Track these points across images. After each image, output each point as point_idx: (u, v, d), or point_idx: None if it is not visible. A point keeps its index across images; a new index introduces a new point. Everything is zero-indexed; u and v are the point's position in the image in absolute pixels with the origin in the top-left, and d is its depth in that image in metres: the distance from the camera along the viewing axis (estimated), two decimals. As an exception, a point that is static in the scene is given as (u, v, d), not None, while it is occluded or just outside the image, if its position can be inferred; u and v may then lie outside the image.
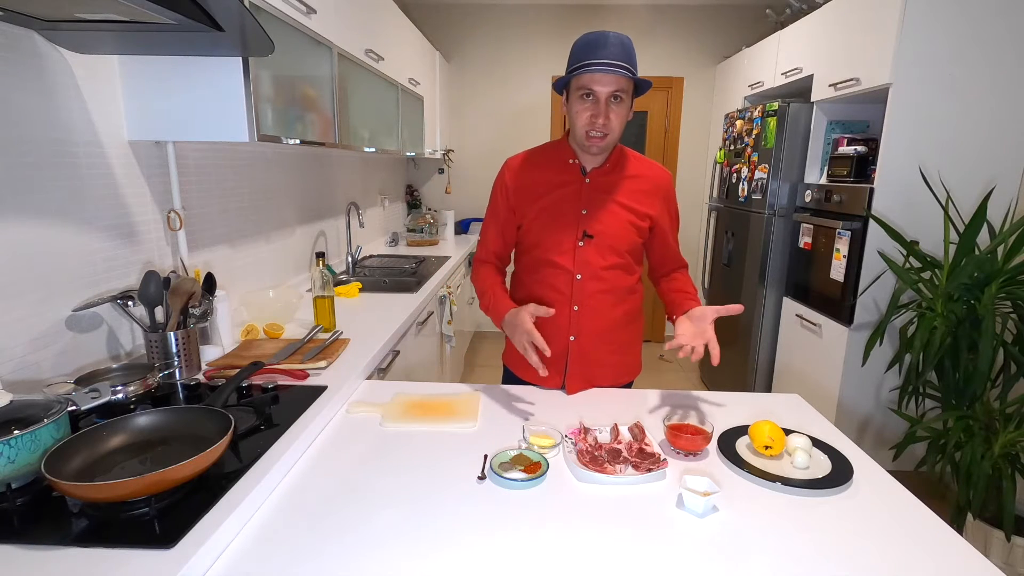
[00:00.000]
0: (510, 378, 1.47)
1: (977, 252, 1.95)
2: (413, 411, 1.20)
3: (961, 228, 2.08)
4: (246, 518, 0.83)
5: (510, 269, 1.47)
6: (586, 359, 1.36)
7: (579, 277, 1.32)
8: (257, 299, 1.72)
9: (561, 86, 1.28)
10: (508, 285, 1.41)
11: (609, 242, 1.31)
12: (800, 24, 2.83)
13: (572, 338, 1.35)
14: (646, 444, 1.06)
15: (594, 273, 1.32)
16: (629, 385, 1.48)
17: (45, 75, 1.14)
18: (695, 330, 1.20)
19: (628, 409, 1.27)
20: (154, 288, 1.24)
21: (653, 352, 4.32)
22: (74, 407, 0.93)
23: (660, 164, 1.39)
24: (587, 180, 1.31)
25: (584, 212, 1.30)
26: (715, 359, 1.13)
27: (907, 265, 2.18)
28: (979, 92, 2.12)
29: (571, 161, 1.32)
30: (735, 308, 1.17)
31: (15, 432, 0.79)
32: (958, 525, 1.92)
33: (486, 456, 1.03)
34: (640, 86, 1.23)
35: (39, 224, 1.13)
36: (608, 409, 1.26)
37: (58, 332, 1.18)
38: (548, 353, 1.15)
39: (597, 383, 1.39)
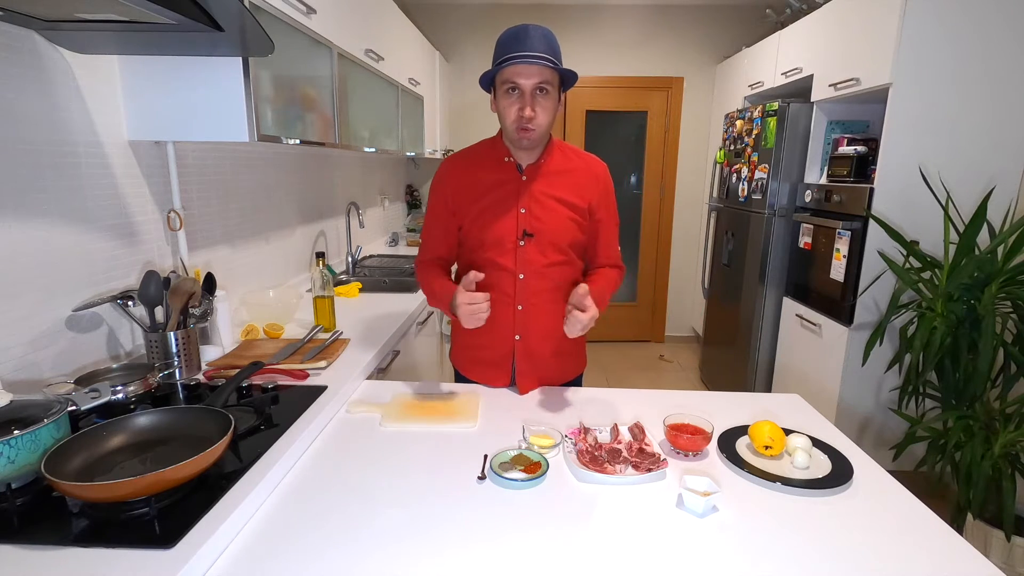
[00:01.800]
0: (459, 379, 1.46)
1: (977, 252, 1.95)
2: (413, 411, 1.20)
3: (961, 228, 2.08)
4: (246, 518, 0.83)
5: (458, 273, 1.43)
6: (533, 358, 1.35)
7: (522, 277, 1.31)
8: (257, 299, 1.72)
9: (487, 84, 1.25)
10: None
11: (550, 239, 1.29)
12: (800, 24, 2.83)
13: (517, 337, 1.34)
14: (646, 444, 1.06)
15: (537, 271, 1.31)
16: (578, 380, 1.48)
17: (45, 75, 1.14)
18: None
19: (628, 409, 1.27)
20: (154, 288, 1.24)
21: (653, 352, 4.32)
22: (74, 407, 0.93)
23: (595, 155, 1.36)
24: (524, 177, 1.29)
25: (523, 211, 1.28)
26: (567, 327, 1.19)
27: (907, 265, 2.18)
28: (979, 92, 2.12)
29: (506, 159, 1.30)
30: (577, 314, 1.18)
31: (15, 432, 0.79)
32: (958, 525, 1.92)
33: (486, 456, 1.03)
34: (566, 79, 1.21)
35: (39, 224, 1.13)
36: (608, 409, 1.27)
37: (58, 332, 1.18)
38: (481, 277, 1.18)
39: (546, 381, 1.39)
